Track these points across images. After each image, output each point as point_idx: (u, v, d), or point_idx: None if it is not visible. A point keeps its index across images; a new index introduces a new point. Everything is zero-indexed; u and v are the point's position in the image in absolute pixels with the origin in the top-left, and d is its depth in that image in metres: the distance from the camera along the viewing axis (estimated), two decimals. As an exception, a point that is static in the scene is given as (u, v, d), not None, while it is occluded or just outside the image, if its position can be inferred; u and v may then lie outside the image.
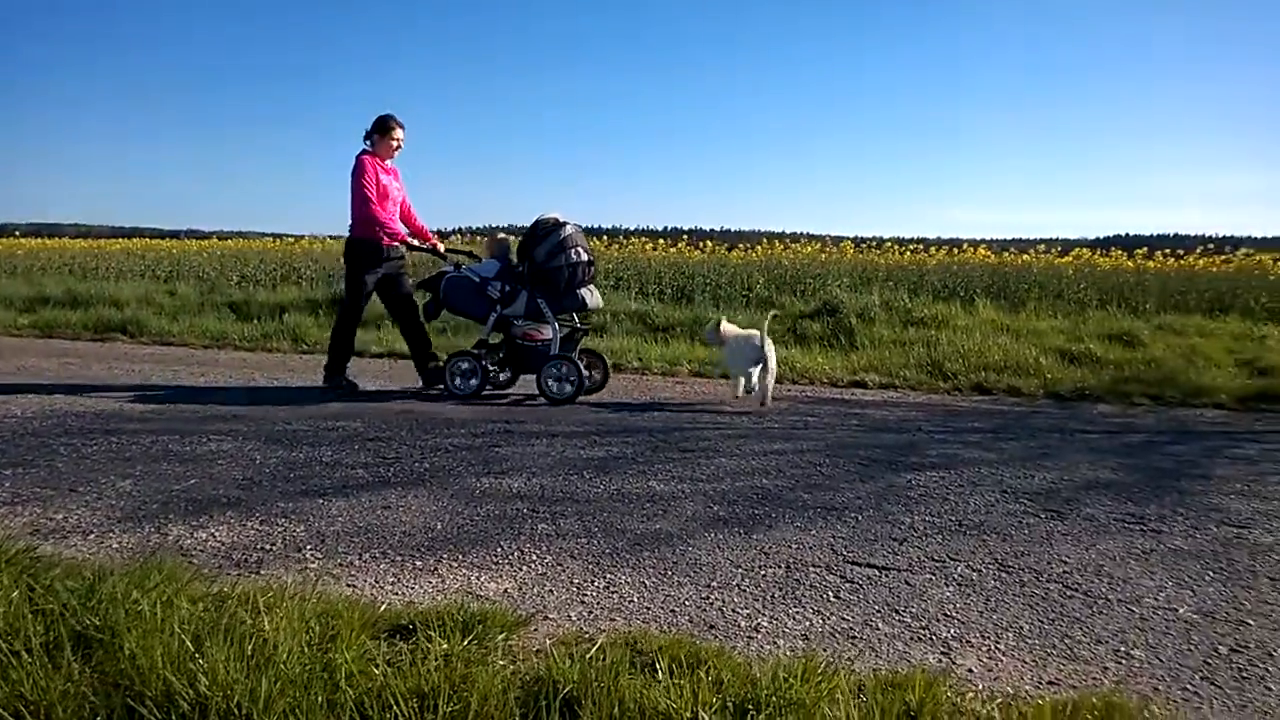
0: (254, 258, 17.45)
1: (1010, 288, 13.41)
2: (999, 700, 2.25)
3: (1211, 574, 3.31)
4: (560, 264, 6.68)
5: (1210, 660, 2.63)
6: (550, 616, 2.82)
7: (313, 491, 4.12)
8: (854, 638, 2.73)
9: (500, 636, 2.50)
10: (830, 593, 3.07)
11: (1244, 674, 2.54)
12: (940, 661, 2.57)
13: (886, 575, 3.24)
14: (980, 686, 2.40)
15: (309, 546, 3.40)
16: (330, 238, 19.10)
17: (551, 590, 3.04)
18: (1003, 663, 2.58)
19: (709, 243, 16.86)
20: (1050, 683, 2.45)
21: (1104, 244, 20.58)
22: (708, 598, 3.00)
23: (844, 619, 2.86)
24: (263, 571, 3.11)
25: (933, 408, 6.94)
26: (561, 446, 5.14)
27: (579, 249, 6.75)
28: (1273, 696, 2.42)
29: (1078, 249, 15.15)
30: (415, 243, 7.36)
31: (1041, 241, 17.43)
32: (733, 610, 2.91)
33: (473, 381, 6.83)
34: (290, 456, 4.75)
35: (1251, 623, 2.90)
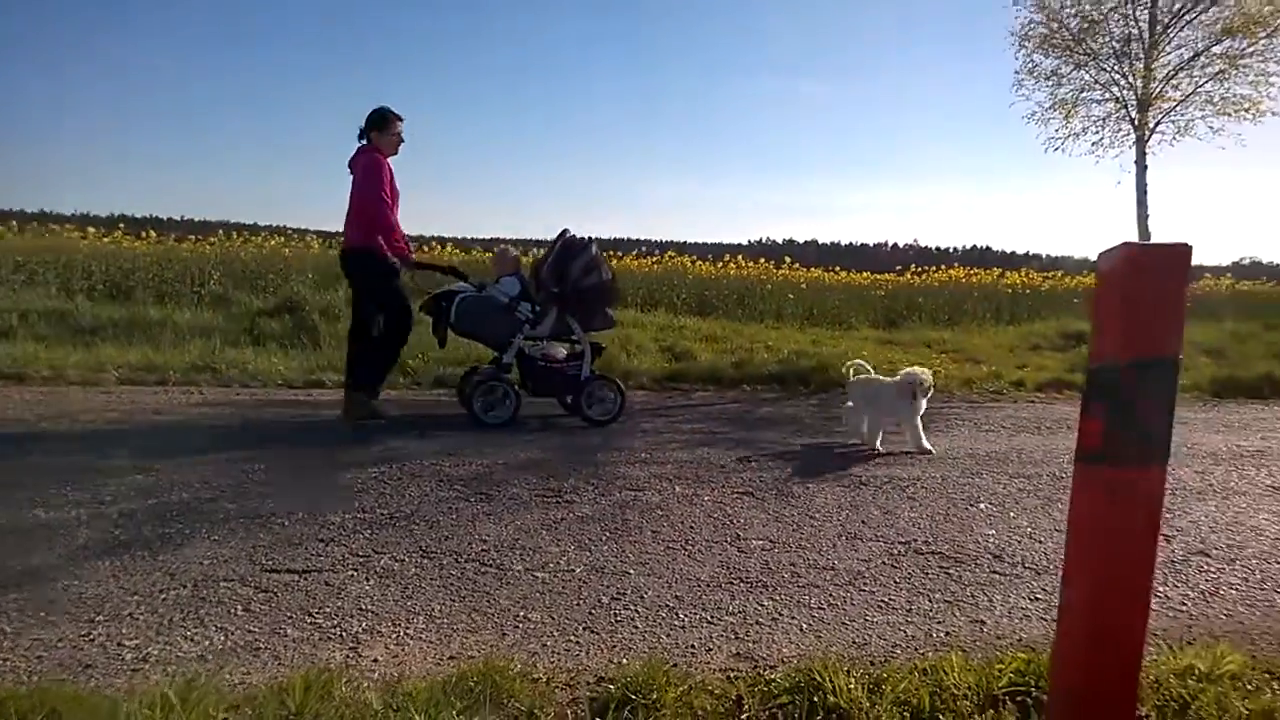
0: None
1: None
2: (385, 685, 2.27)
3: (608, 534, 3.73)
4: (595, 282, 6.38)
5: (594, 611, 2.94)
6: None
7: None
8: (259, 649, 2.58)
9: None
10: (240, 606, 2.88)
11: (618, 618, 2.89)
12: (347, 657, 2.54)
13: (305, 578, 3.14)
14: (382, 674, 2.41)
15: None
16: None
17: None
18: (409, 647, 2.63)
19: (153, 232, 15.15)
20: (450, 658, 2.55)
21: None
22: (88, 635, 2.64)
23: (251, 631, 2.70)
24: None
25: (391, 404, 6.96)
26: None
27: (606, 266, 6.49)
28: (638, 633, 2.78)
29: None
30: (414, 260, 6.66)
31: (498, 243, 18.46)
32: (118, 644, 2.59)
33: (507, 406, 6.22)
34: None
35: (632, 572, 3.30)
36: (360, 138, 6.28)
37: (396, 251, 6.25)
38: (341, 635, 2.69)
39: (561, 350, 6.69)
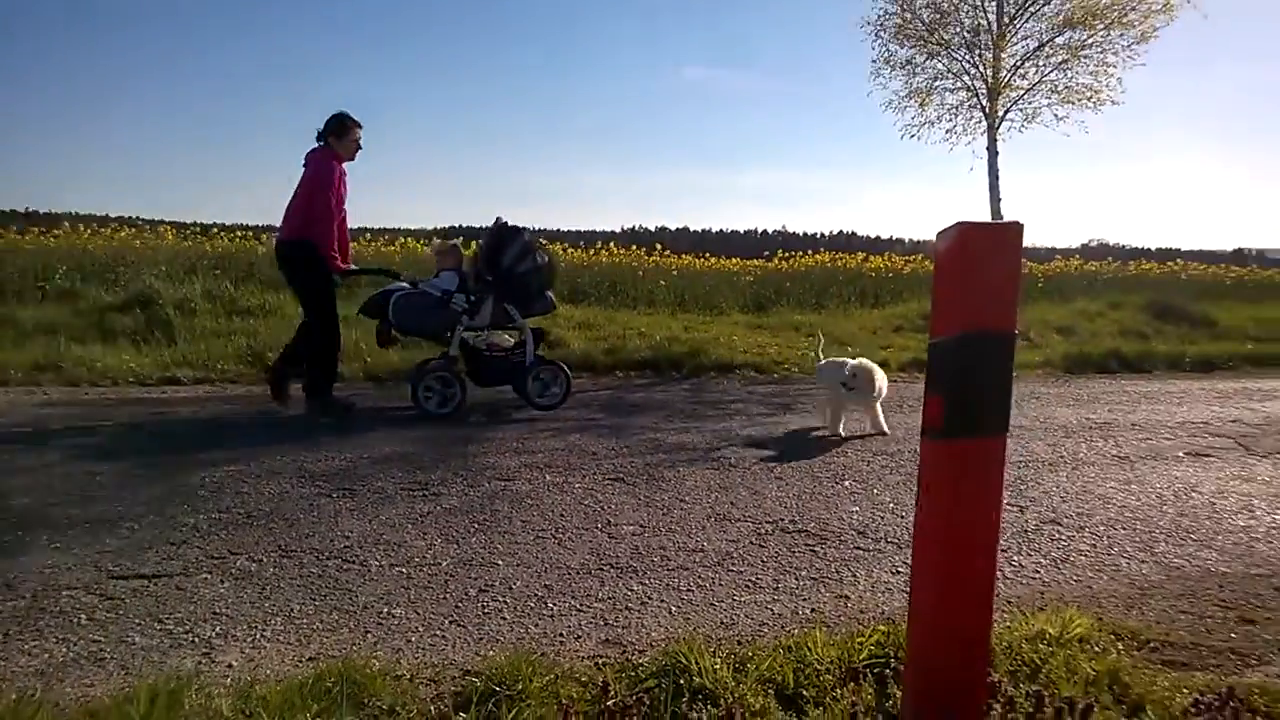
0: None
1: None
2: (238, 691, 2.20)
3: (476, 526, 3.70)
4: (530, 267, 6.40)
5: (461, 604, 2.91)
6: None
7: None
8: (103, 660, 2.46)
9: None
10: (84, 615, 2.74)
11: (486, 610, 2.87)
12: (199, 663, 2.44)
13: (156, 584, 3.00)
14: (236, 680, 2.33)
15: None
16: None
17: None
18: (265, 650, 2.54)
19: (-11, 223, 14.12)
20: (310, 659, 2.48)
21: (445, 233, 22.09)
22: (-88, 653, 2.46)
23: (95, 641, 2.57)
24: None
25: (251, 399, 6.71)
26: None
27: (541, 251, 6.54)
28: (505, 624, 2.77)
29: (402, 239, 16.02)
30: (352, 268, 6.66)
31: (368, 231, 18.01)
32: (-59, 662, 2.42)
33: (453, 398, 6.21)
34: None
35: (500, 563, 3.29)
36: (318, 139, 6.25)
37: (329, 259, 6.17)
38: (194, 641, 2.59)
39: (508, 339, 6.74)
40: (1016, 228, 1.75)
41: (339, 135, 6.21)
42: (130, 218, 18.58)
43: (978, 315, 1.74)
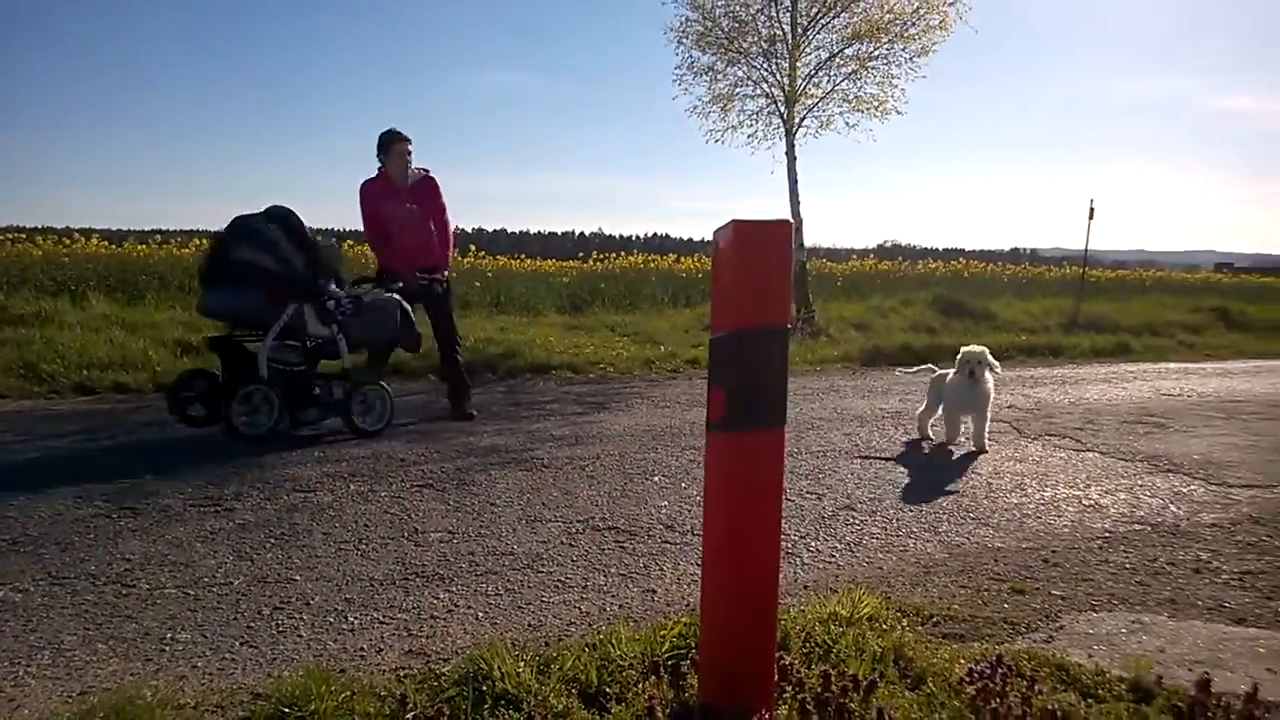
0: None
1: (130, 280, 12.68)
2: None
3: (273, 541, 3.53)
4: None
5: (254, 624, 2.78)
6: None
7: None
8: None
9: None
10: None
11: (281, 628, 2.75)
12: (-52, 708, 2.21)
13: (-104, 624, 2.70)
14: (-9, 723, 2.13)
15: None
16: None
17: None
18: (29, 687, 2.34)
19: None
20: (81, 693, 2.30)
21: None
22: None
23: None
24: None
25: (21, 415, 6.14)
26: None
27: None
28: (302, 642, 2.66)
29: (198, 239, 15.09)
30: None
31: (158, 233, 16.91)
32: None
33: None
34: None
35: (299, 578, 3.16)
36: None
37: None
38: (-58, 684, 2.35)
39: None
40: (786, 225, 1.83)
41: (384, 152, 6.35)
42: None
43: (752, 310, 1.81)
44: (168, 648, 2.59)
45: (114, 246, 14.41)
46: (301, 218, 5.50)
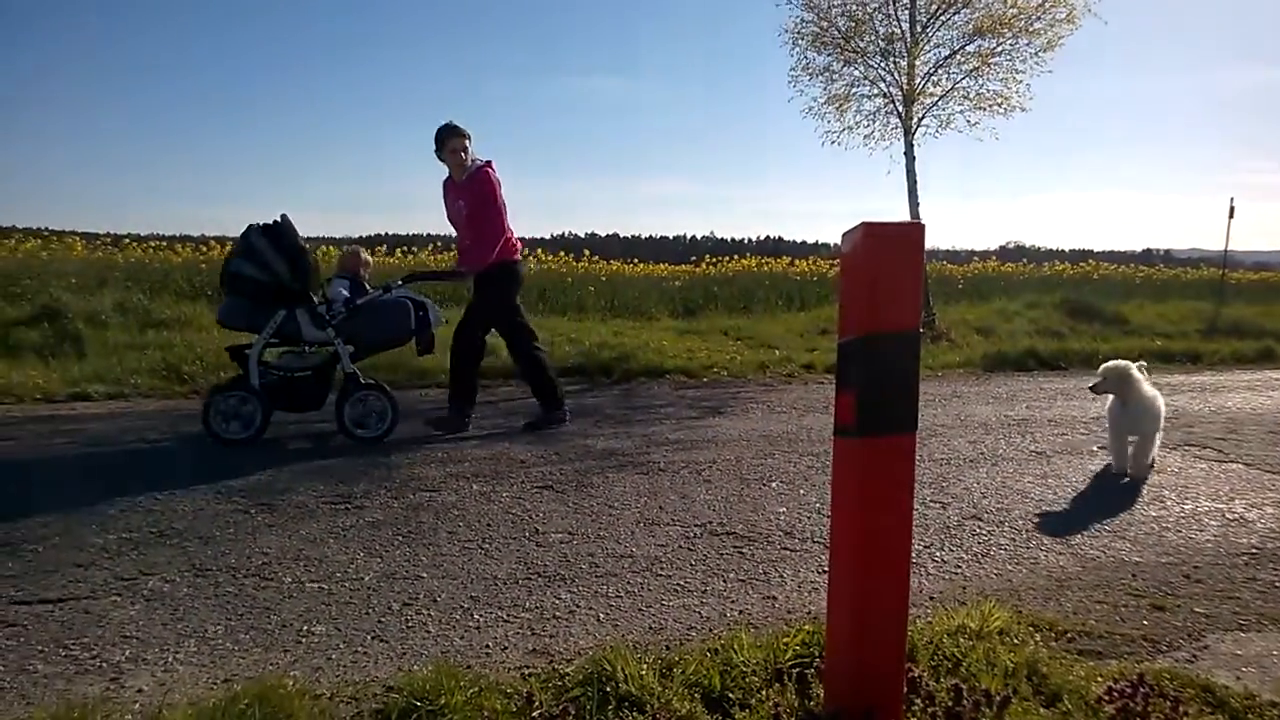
0: None
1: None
2: (146, 716, 2.11)
3: (400, 538, 3.62)
4: None
5: (384, 618, 2.84)
6: None
7: None
8: (1, 690, 2.34)
9: None
10: (-19, 644, 2.60)
11: (410, 624, 2.81)
12: (106, 689, 2.34)
13: (60, 608, 2.86)
14: (144, 705, 2.23)
15: None
16: None
17: None
18: (178, 673, 2.44)
19: None
20: (225, 680, 2.39)
21: (368, 242, 21.85)
22: None
23: (-7, 671, 2.44)
24: None
25: (165, 414, 6.49)
26: None
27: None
28: (430, 637, 2.71)
29: (324, 246, 15.75)
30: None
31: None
32: None
33: None
34: None
35: (425, 575, 3.22)
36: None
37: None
38: (101, 666, 2.48)
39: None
40: (918, 227, 1.78)
41: (438, 149, 6.10)
42: (37, 229, 17.90)
43: (883, 314, 1.76)
44: (304, 639, 2.67)
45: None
46: (290, 225, 5.56)
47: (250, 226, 5.53)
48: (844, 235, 1.80)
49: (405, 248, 17.58)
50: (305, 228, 5.91)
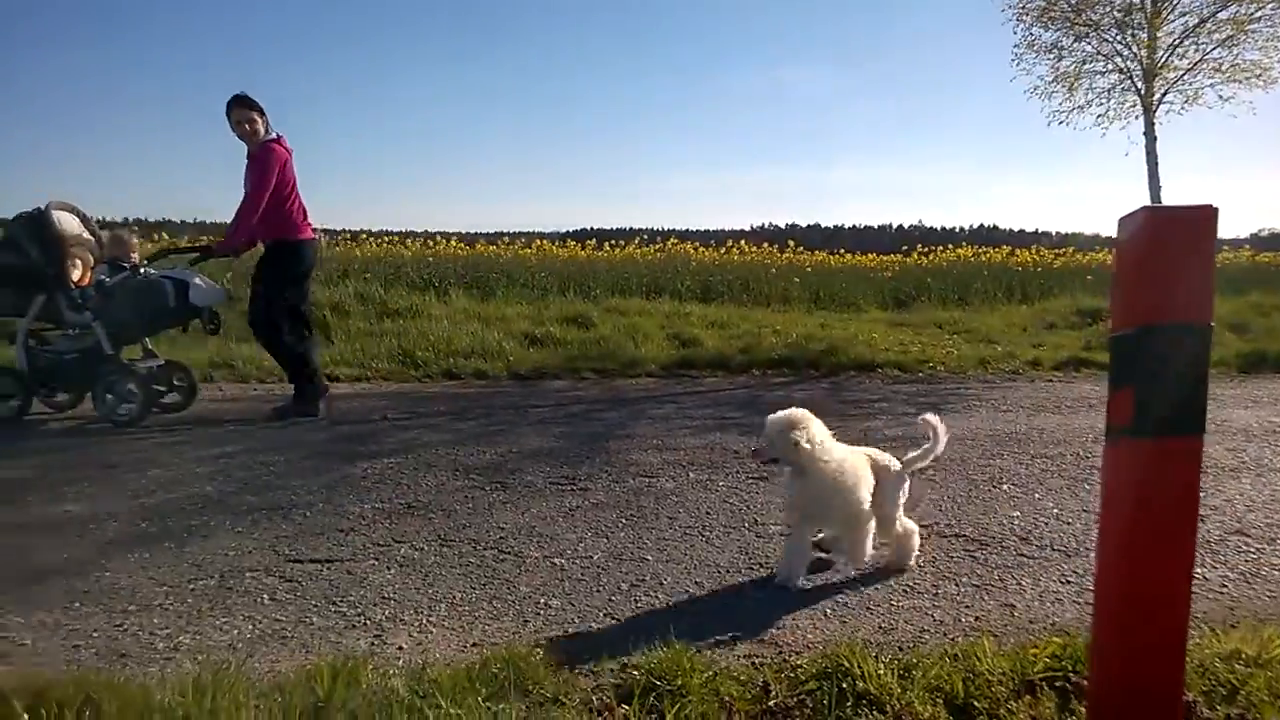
0: None
1: (482, 278, 14.06)
2: (410, 672, 2.29)
3: (625, 521, 3.75)
4: None
5: (614, 597, 2.96)
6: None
7: None
8: (286, 638, 2.61)
9: None
10: (266, 596, 2.92)
11: (639, 604, 2.91)
12: (372, 644, 2.56)
13: (328, 568, 3.17)
14: (407, 662, 2.43)
15: None
16: None
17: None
18: (432, 634, 2.65)
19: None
20: (473, 645, 2.57)
21: (573, 236, 22.58)
22: (121, 624, 2.68)
23: (278, 620, 2.73)
24: None
25: (402, 396, 7.00)
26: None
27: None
28: (658, 619, 2.79)
29: (538, 241, 16.42)
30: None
31: (505, 235, 18.52)
32: (150, 633, 2.63)
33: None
34: None
35: (650, 558, 3.32)
36: None
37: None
38: (366, 623, 2.72)
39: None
40: (1210, 211, 1.64)
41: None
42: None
43: (1168, 305, 1.64)
44: (540, 612, 2.83)
45: (468, 248, 16.01)
46: (46, 214, 5.79)
47: (14, 217, 5.91)
48: (1121, 221, 1.70)
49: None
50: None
